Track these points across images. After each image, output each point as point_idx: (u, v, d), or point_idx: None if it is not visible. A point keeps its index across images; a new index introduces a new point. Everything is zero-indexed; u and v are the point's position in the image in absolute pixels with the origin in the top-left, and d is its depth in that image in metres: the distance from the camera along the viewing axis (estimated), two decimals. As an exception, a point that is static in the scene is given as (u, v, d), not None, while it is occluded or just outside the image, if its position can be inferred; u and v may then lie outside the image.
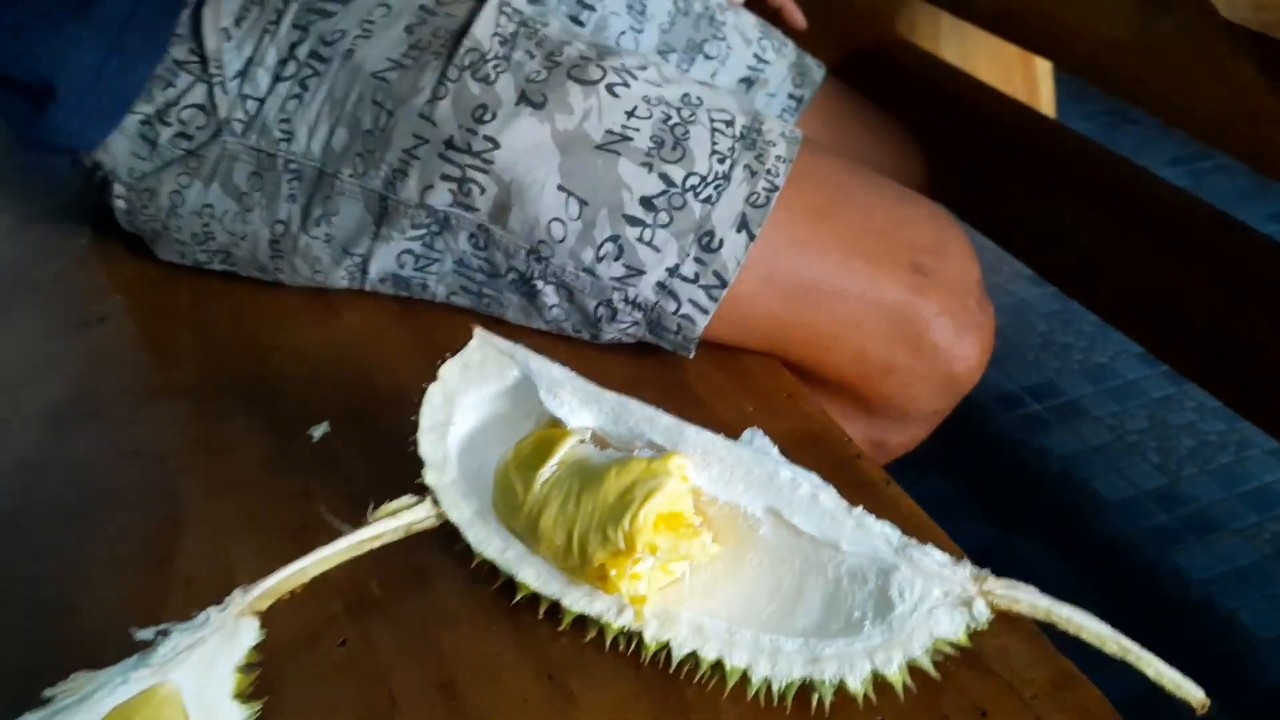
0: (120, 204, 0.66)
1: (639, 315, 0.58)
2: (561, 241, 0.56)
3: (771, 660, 0.39)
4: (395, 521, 0.41)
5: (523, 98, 0.57)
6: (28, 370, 0.60)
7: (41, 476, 0.53)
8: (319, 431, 0.53)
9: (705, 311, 0.57)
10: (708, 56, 0.76)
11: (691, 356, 0.59)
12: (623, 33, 0.73)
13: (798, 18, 0.84)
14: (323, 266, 0.63)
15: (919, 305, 0.59)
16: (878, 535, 0.39)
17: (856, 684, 0.38)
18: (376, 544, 0.40)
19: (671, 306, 0.57)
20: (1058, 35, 0.83)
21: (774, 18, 0.84)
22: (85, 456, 0.54)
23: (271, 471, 0.52)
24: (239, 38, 0.61)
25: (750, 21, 0.79)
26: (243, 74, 0.61)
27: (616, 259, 0.56)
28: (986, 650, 0.42)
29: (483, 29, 0.58)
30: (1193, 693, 0.35)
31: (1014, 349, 1.42)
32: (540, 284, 0.58)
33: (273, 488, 0.51)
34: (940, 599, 0.37)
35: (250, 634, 0.36)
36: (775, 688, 0.39)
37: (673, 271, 0.56)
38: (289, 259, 0.64)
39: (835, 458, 0.53)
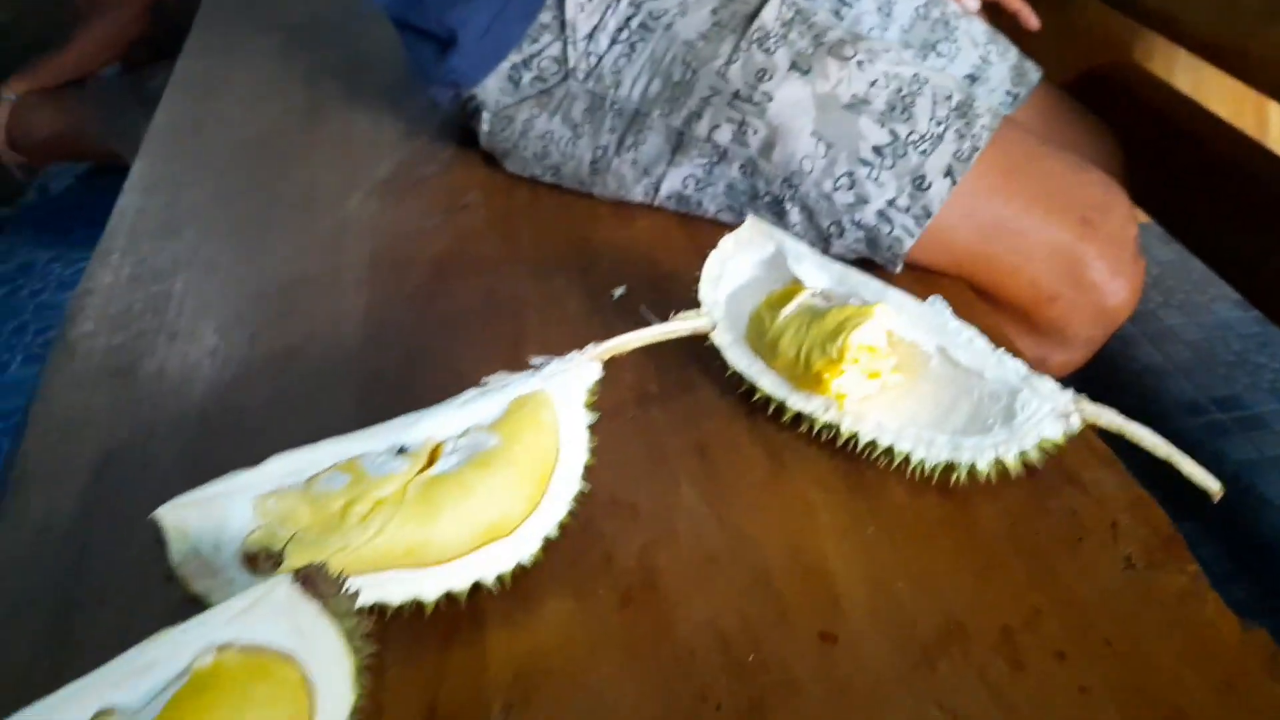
0: (485, 127, 0.89)
1: (861, 234, 0.77)
2: (809, 174, 0.76)
3: (927, 447, 0.57)
4: (686, 324, 0.62)
5: (793, 66, 0.77)
6: (420, 234, 0.84)
7: (433, 302, 0.76)
8: (619, 292, 0.75)
9: (912, 235, 0.75)
10: (939, 54, 0.93)
11: (898, 271, 0.78)
12: (871, 29, 0.92)
13: (1032, 20, 0.98)
14: (626, 184, 0.85)
15: (1083, 248, 0.76)
16: (1010, 368, 0.57)
17: (984, 466, 0.56)
18: (674, 335, 0.61)
19: (886, 229, 0.76)
20: (1265, 67, 0.94)
21: (1009, 19, 0.99)
22: (459, 293, 0.77)
23: (586, 313, 0.74)
24: (589, 10, 0.83)
25: (981, 28, 0.96)
26: (589, 36, 0.83)
27: (849, 189, 0.75)
28: (1082, 474, 0.59)
29: (769, 14, 0.79)
30: (1210, 484, 0.51)
31: (1207, 363, 1.51)
32: (789, 205, 0.78)
33: (588, 323, 0.73)
34: (1048, 412, 0.55)
35: (595, 372, 0.57)
36: (928, 467, 0.57)
37: (890, 203, 0.75)
38: (602, 176, 0.86)
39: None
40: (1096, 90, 1.14)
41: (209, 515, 0.49)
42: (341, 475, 0.51)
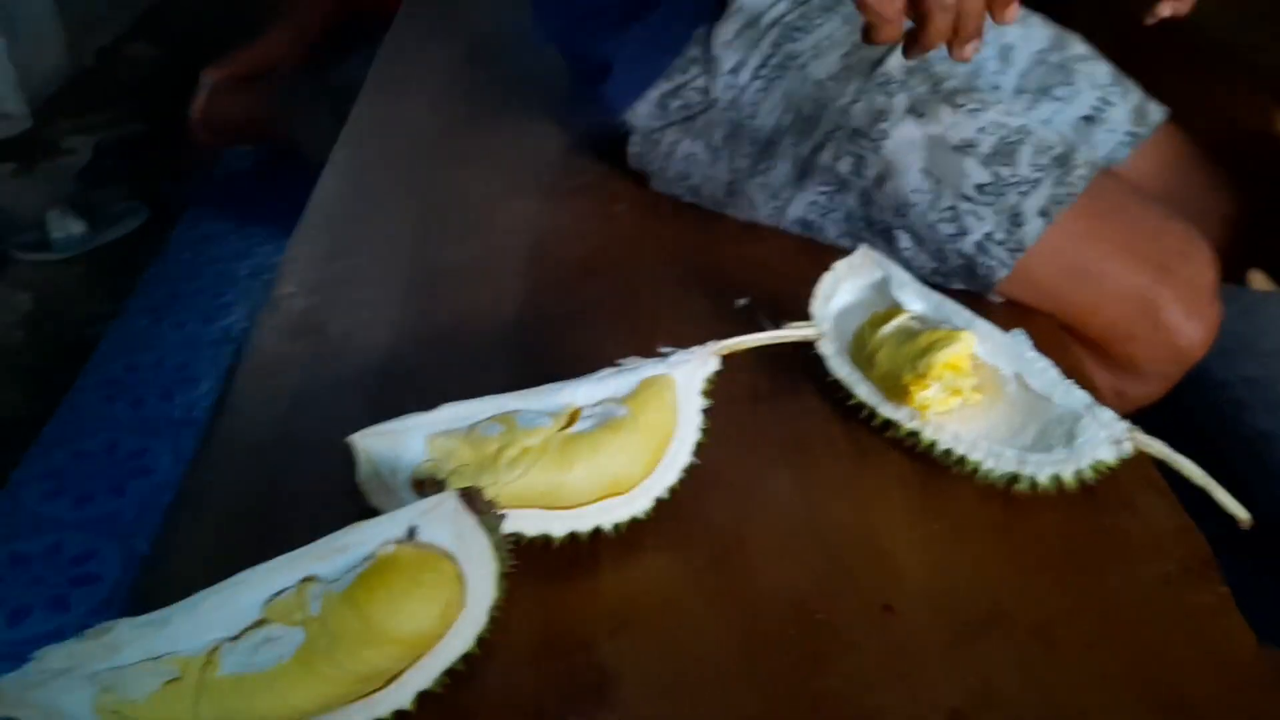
0: (634, 149, 1.00)
1: (960, 263, 0.85)
2: (916, 206, 0.85)
3: (995, 459, 0.65)
4: (797, 332, 0.72)
5: (910, 109, 0.86)
6: (571, 235, 0.96)
7: (578, 293, 0.88)
8: (742, 302, 0.84)
9: (1005, 266, 0.83)
10: (1055, 98, 1.00)
11: (992, 299, 0.85)
12: (993, 71, 0.99)
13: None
14: (756, 206, 0.95)
15: (1160, 291, 0.83)
16: (1077, 397, 0.65)
17: (1044, 480, 0.64)
18: (786, 340, 0.71)
19: (983, 260, 0.84)
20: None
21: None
22: (602, 287, 0.88)
23: (711, 316, 0.83)
24: (735, 47, 0.94)
25: (1104, 70, 1.02)
26: (733, 71, 0.94)
27: (952, 222, 0.84)
28: (1135, 499, 0.66)
29: (893, 62, 0.88)
30: (1240, 513, 0.58)
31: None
32: (898, 233, 0.87)
33: (711, 324, 0.83)
34: (1105, 438, 0.62)
35: (714, 365, 0.67)
36: (994, 477, 0.65)
37: (988, 236, 0.83)
38: (736, 198, 0.96)
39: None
40: (1238, 152, 1.17)
41: (389, 445, 0.61)
42: (498, 425, 0.62)
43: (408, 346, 0.81)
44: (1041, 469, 0.64)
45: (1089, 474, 0.63)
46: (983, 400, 0.68)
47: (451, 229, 0.96)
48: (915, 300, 0.72)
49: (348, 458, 0.61)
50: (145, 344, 1.86)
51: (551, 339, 0.81)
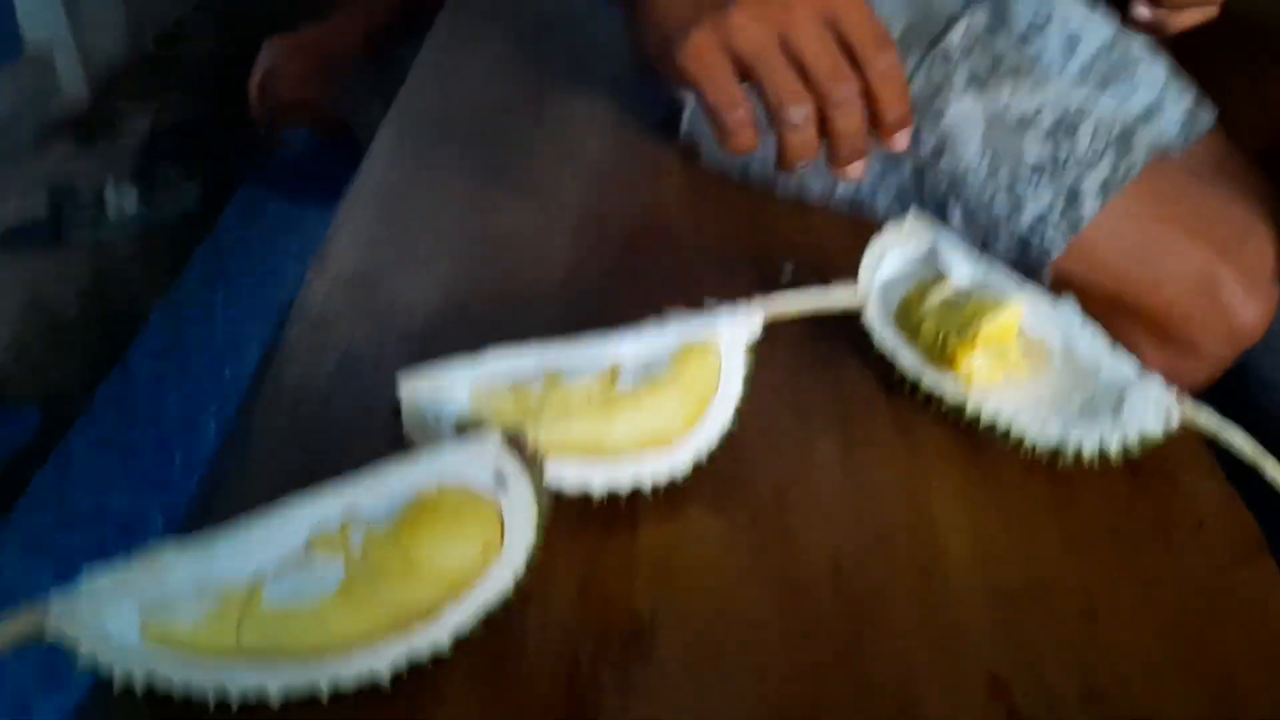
0: (685, 126, 1.00)
1: (1014, 242, 0.84)
2: (972, 182, 0.84)
3: (1040, 428, 0.65)
4: (843, 297, 0.71)
5: (969, 84, 0.85)
6: (622, 205, 0.96)
7: (627, 259, 0.88)
8: (788, 268, 0.84)
9: (1060, 246, 0.82)
10: (1114, 92, 0.99)
11: (1043, 281, 0.85)
12: (1056, 58, 0.98)
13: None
14: (805, 183, 0.95)
15: (1220, 270, 0.82)
16: (1125, 366, 0.64)
17: (1088, 450, 0.63)
18: (831, 306, 0.71)
19: (1037, 239, 0.83)
20: None
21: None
22: (649, 253, 0.88)
23: (756, 285, 0.83)
24: None
25: (1162, 69, 1.01)
26: None
27: (1008, 198, 0.83)
28: (1181, 475, 0.65)
29: (955, 37, 0.87)
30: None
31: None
32: (952, 209, 0.86)
33: (757, 291, 0.83)
34: (1152, 408, 0.62)
35: (758, 325, 0.67)
36: (1040, 448, 0.65)
37: (1043, 214, 0.82)
38: (785, 175, 0.96)
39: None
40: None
41: (435, 390, 0.61)
42: (542, 377, 0.62)
43: (456, 305, 0.82)
44: (1086, 437, 0.63)
45: (1134, 446, 0.62)
46: (1029, 370, 0.68)
47: (502, 197, 0.97)
48: (965, 268, 0.71)
49: (394, 410, 0.62)
50: (196, 317, 1.89)
51: (599, 299, 0.82)
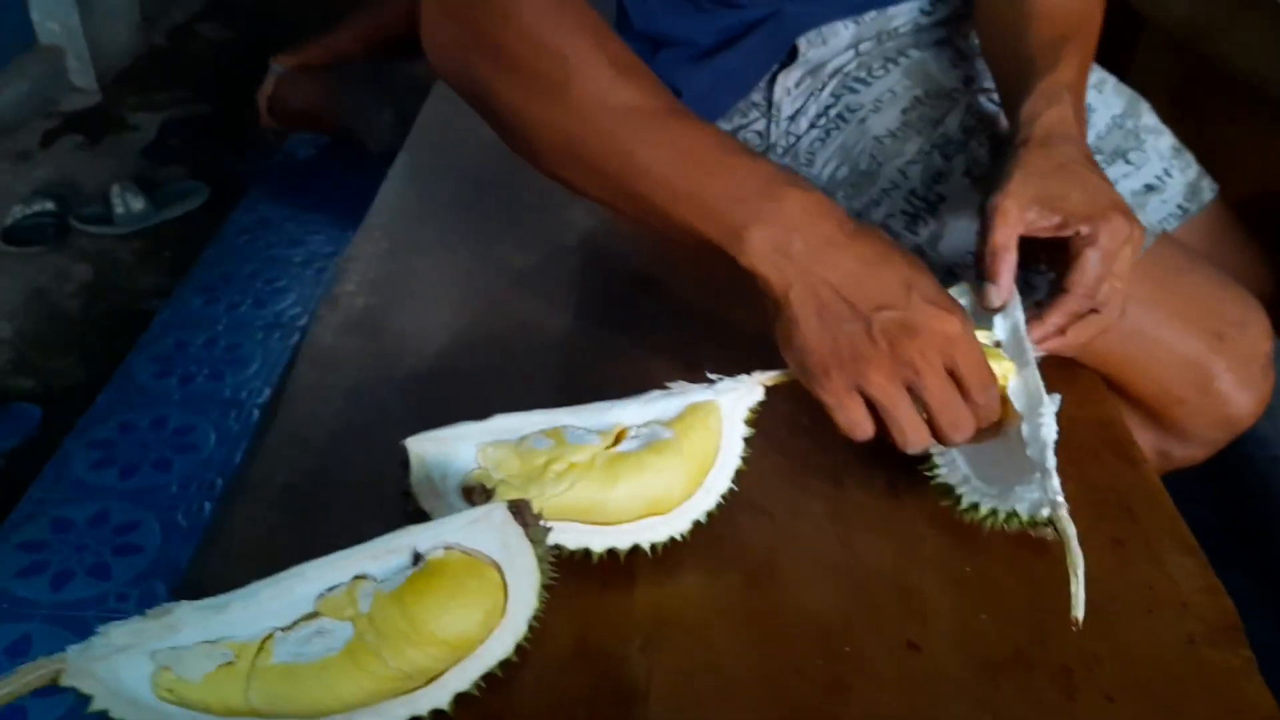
0: None
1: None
2: (970, 267, 0.86)
3: (979, 494, 0.66)
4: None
5: (967, 171, 0.86)
6: (628, 250, 0.98)
7: (630, 308, 0.90)
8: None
9: None
10: (1127, 162, 1.00)
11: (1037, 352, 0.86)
12: None
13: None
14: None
15: (1214, 360, 0.83)
16: (1047, 458, 0.64)
17: (981, 512, 0.65)
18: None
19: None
20: None
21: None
22: (653, 303, 0.90)
23: (756, 340, 0.85)
24: (795, 95, 0.95)
25: (1168, 143, 1.03)
26: (791, 118, 0.95)
27: None
28: (1165, 557, 0.67)
29: (953, 122, 0.89)
30: (1079, 611, 0.59)
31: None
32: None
33: (757, 348, 0.85)
34: (1036, 499, 0.64)
35: (759, 395, 0.69)
36: (978, 512, 0.66)
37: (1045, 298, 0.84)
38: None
39: (1116, 444, 0.79)
40: (1268, 210, 1.18)
41: (441, 451, 0.63)
42: (547, 439, 0.64)
43: (462, 351, 0.84)
44: (984, 501, 0.66)
45: (1013, 521, 0.65)
46: (993, 432, 0.69)
47: (510, 236, 0.99)
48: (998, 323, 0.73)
49: (399, 456, 0.63)
50: (198, 323, 1.90)
51: (600, 354, 0.84)
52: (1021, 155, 0.72)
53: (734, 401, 0.68)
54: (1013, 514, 0.65)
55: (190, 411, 1.69)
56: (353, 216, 2.17)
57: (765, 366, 0.70)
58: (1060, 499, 0.62)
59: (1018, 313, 0.72)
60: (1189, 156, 1.04)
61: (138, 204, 2.28)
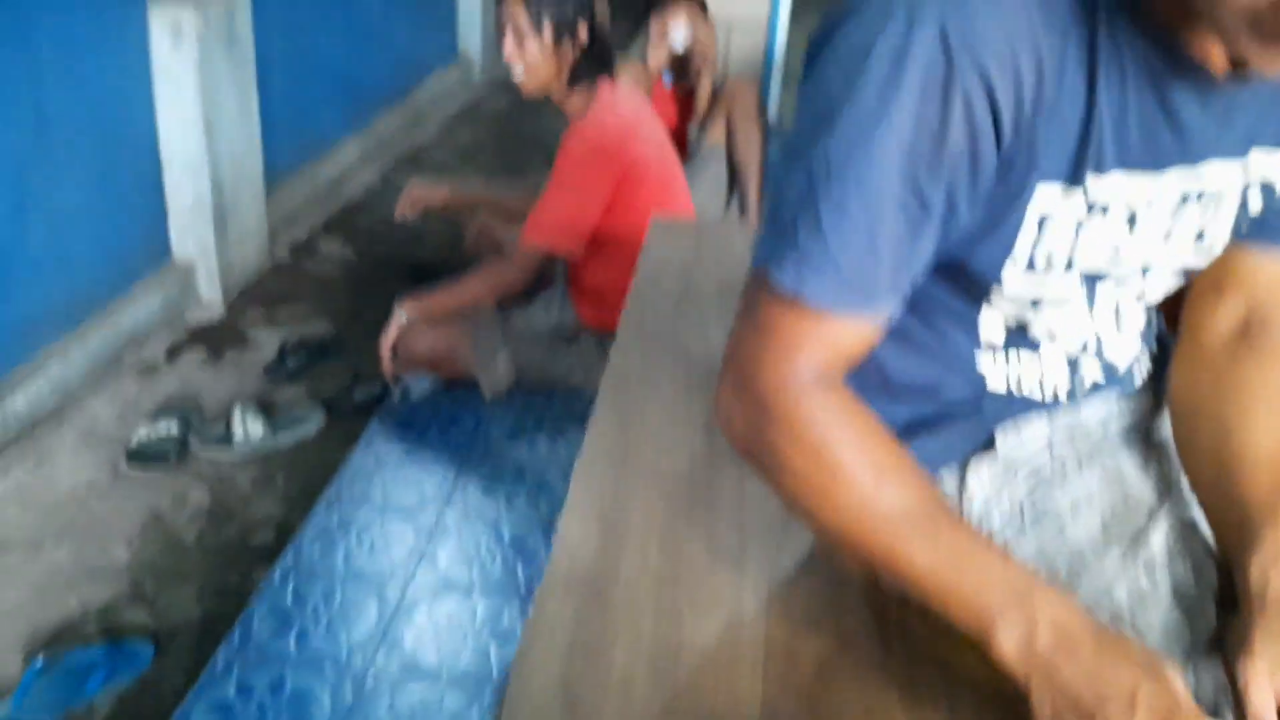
0: None
1: None
2: None
3: None
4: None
5: (1173, 593, 0.84)
6: (815, 621, 0.97)
7: (823, 691, 0.88)
8: None
9: None
10: None
11: None
12: None
13: None
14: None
15: None
16: None
17: None
18: None
19: None
20: None
21: None
22: (848, 685, 0.89)
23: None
24: (986, 483, 0.94)
25: None
26: (983, 505, 0.93)
27: None
28: None
29: (1157, 540, 0.87)
30: None
31: None
32: None
33: None
34: None
35: None
36: None
37: None
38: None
39: None
40: None
41: None
42: None
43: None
44: None
45: None
46: None
47: (688, 601, 0.98)
48: None
49: None
50: (315, 573, 1.92)
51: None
52: (1260, 622, 0.73)
53: None
54: None
55: (306, 672, 1.68)
56: (466, 458, 2.22)
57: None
58: None
59: None
60: None
61: (256, 428, 2.34)
